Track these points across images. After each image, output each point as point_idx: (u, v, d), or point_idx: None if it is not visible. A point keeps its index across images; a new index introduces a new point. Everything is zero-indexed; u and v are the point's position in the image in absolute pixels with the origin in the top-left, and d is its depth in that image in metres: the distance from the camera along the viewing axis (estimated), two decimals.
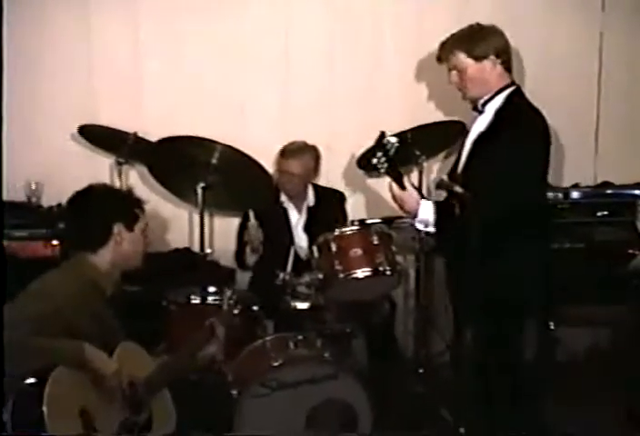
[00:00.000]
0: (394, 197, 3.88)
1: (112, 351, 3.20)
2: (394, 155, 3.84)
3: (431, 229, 3.81)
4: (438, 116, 5.33)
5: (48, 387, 2.91)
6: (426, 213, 3.79)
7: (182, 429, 3.44)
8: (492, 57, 3.86)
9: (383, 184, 5.58)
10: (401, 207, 3.90)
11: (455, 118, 5.23)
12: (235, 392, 4.13)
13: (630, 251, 4.57)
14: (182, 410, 3.47)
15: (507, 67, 3.92)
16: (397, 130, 5.07)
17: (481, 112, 3.92)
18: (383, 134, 3.79)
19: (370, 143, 5.01)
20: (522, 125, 3.76)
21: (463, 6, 5.58)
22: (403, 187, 3.82)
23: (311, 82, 5.68)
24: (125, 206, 3.50)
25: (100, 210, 3.45)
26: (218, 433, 3.96)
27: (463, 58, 3.90)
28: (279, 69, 5.65)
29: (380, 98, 5.71)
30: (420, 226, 3.85)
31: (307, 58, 5.66)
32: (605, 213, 5.37)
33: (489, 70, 3.88)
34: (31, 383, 2.94)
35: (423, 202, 3.82)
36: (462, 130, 5.17)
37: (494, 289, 3.63)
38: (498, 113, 3.85)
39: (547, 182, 3.96)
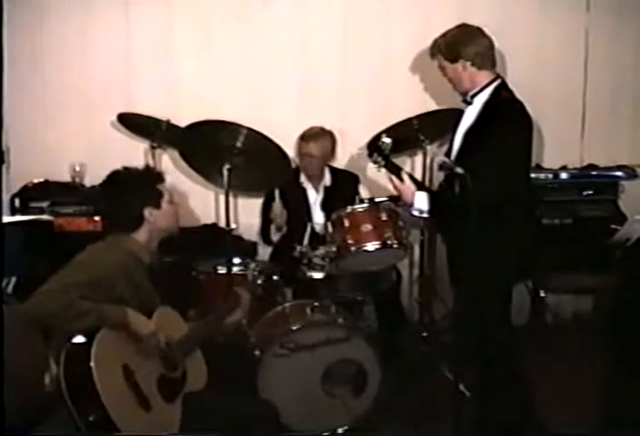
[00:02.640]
0: (394, 188, 3.97)
1: (150, 314, 3.23)
2: (389, 154, 3.98)
3: (425, 215, 3.88)
4: (441, 105, 5.34)
5: (95, 345, 2.93)
6: (421, 202, 3.85)
7: (211, 385, 3.48)
8: (462, 61, 3.89)
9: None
10: (400, 197, 3.98)
11: (457, 107, 5.25)
12: (257, 353, 4.17)
13: (612, 226, 4.58)
14: (211, 367, 3.51)
15: (486, 66, 3.91)
16: (404, 117, 5.11)
17: (469, 103, 3.94)
18: (378, 137, 3.87)
19: (380, 128, 5.10)
20: (508, 116, 3.78)
21: (467, 2, 5.59)
22: (401, 179, 3.91)
23: (327, 73, 5.70)
24: (148, 188, 3.44)
25: (129, 200, 3.41)
26: (242, 389, 4.00)
27: (441, 60, 3.98)
28: (298, 62, 5.68)
29: (389, 88, 5.72)
30: (416, 213, 3.90)
31: (323, 52, 5.68)
32: (590, 192, 5.40)
33: (461, 71, 3.90)
34: (79, 343, 2.99)
35: (417, 193, 3.88)
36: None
37: (488, 258, 3.66)
38: (486, 105, 3.86)
39: (531, 164, 3.98)
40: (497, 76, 3.95)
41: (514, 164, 3.77)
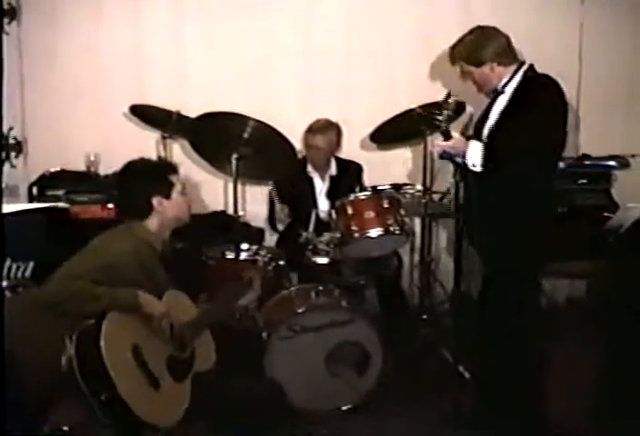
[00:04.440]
0: (441, 153, 3.79)
1: (159, 298, 3.22)
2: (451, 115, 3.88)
3: (478, 168, 3.68)
4: (441, 96, 5.30)
5: (104, 326, 2.95)
6: (475, 153, 3.68)
7: (220, 366, 3.48)
8: (488, 64, 3.82)
9: (392, 154, 5.67)
10: (451, 157, 3.79)
11: (456, 98, 5.23)
12: (264, 335, 4.16)
13: (605, 214, 4.56)
14: (221, 349, 3.50)
15: (510, 61, 3.84)
16: (405, 108, 5.07)
17: (501, 93, 3.84)
18: (449, 95, 3.78)
19: (381, 119, 5.08)
20: (542, 91, 3.70)
21: None
22: (450, 138, 3.76)
23: (331, 68, 5.68)
24: (159, 179, 3.45)
25: (138, 188, 3.43)
26: (249, 370, 4.00)
27: (465, 66, 3.89)
28: (303, 55, 5.66)
29: (391, 81, 5.70)
30: (469, 164, 3.71)
31: (328, 47, 5.66)
32: (585, 181, 5.36)
33: (489, 73, 3.84)
34: (90, 324, 2.98)
35: (472, 142, 3.72)
36: (462, 108, 5.20)
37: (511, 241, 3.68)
38: (518, 88, 3.78)
39: (566, 139, 3.83)
40: (522, 62, 3.88)
41: (552, 137, 3.70)
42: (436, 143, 3.78)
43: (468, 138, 3.83)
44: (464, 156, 3.71)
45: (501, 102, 3.83)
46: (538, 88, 3.73)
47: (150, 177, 3.44)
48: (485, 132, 3.85)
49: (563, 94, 3.71)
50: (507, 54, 3.86)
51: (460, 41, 3.93)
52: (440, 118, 3.78)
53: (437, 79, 5.56)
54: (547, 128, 3.66)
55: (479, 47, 3.84)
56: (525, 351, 3.77)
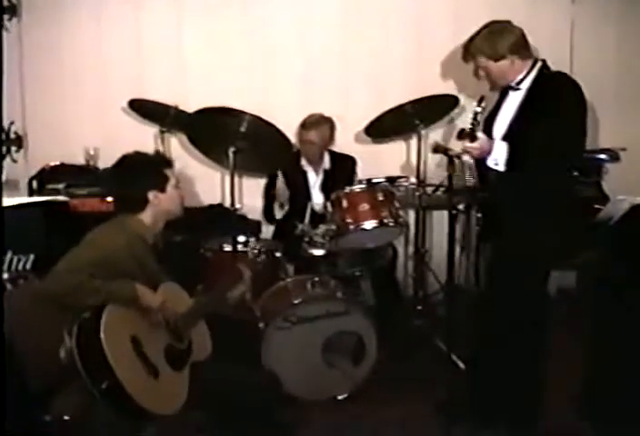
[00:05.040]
0: (467, 151, 3.69)
1: (154, 290, 3.23)
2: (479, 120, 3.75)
3: (501, 168, 3.63)
4: (434, 91, 5.29)
5: (104, 318, 2.95)
6: (500, 152, 3.62)
7: (218, 356, 3.49)
8: (509, 57, 3.71)
9: (386, 148, 5.69)
10: (476, 156, 3.70)
11: (448, 92, 5.24)
12: (261, 325, 4.19)
13: (596, 206, 4.56)
14: (218, 340, 3.51)
15: (528, 54, 3.77)
16: (399, 102, 5.08)
17: (515, 89, 3.78)
18: (482, 99, 3.71)
19: (376, 114, 5.09)
20: (560, 87, 3.65)
21: None
22: (476, 138, 3.61)
23: (327, 63, 5.70)
24: (154, 173, 3.43)
25: (133, 182, 3.41)
26: (247, 360, 4.02)
27: (484, 61, 3.74)
28: (299, 52, 5.68)
29: (385, 77, 5.71)
30: (491, 163, 3.66)
31: (323, 44, 5.67)
32: (576, 174, 5.36)
33: (508, 67, 3.73)
34: (89, 317, 3.00)
35: (498, 142, 3.65)
36: (455, 102, 5.22)
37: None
38: (534, 84, 3.73)
39: (586, 134, 3.74)
40: (536, 59, 3.81)
41: (577, 136, 3.66)
42: (467, 146, 3.63)
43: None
44: (488, 153, 3.64)
45: (515, 98, 3.78)
46: (562, 86, 3.67)
47: (146, 171, 3.42)
48: (498, 128, 3.82)
49: (583, 92, 3.66)
50: (525, 47, 3.77)
51: (476, 36, 3.80)
52: (473, 122, 3.62)
53: (427, 74, 5.60)
54: (574, 127, 3.63)
55: (500, 40, 3.72)
56: (529, 341, 3.76)
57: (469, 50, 3.81)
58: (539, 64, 3.78)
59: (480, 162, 3.75)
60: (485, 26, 3.80)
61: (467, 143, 3.62)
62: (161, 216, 3.46)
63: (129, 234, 3.34)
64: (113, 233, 3.33)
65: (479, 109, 3.62)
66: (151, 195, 3.39)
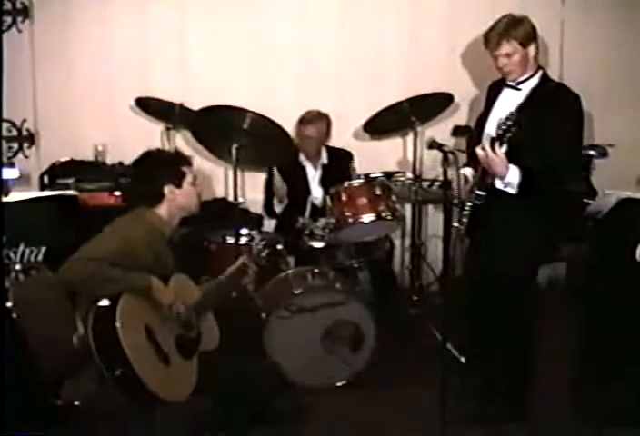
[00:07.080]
0: (483, 160, 3.56)
1: (166, 281, 3.24)
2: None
3: (511, 190, 3.59)
4: (430, 89, 5.29)
5: (120, 307, 2.97)
6: (513, 176, 3.54)
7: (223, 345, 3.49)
8: (534, 44, 3.68)
9: (383, 145, 5.70)
10: (488, 169, 3.58)
11: (443, 90, 5.24)
12: (264, 315, 4.20)
13: (585, 200, 4.57)
14: (223, 329, 3.51)
15: (537, 53, 3.74)
16: (395, 100, 5.09)
17: (514, 88, 3.75)
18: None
19: (373, 111, 5.10)
20: (561, 99, 3.64)
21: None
22: (494, 150, 3.50)
23: (325, 62, 5.70)
24: (172, 168, 3.43)
25: (151, 176, 3.42)
26: (250, 348, 4.03)
27: (514, 44, 3.64)
28: (299, 51, 5.67)
29: (380, 75, 5.71)
30: (501, 186, 3.62)
31: (322, 43, 5.68)
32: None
33: (532, 54, 3.69)
34: (105, 305, 3.00)
35: (512, 166, 3.53)
36: (449, 100, 5.23)
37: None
38: (535, 90, 3.69)
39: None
40: (539, 66, 3.78)
41: (580, 151, 3.67)
42: (492, 156, 3.51)
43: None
44: (501, 178, 3.58)
45: (512, 97, 3.75)
46: (564, 97, 3.65)
47: (164, 167, 3.44)
48: (489, 125, 3.79)
49: (582, 106, 3.65)
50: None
51: (499, 25, 3.69)
52: (500, 132, 3.51)
53: (422, 72, 5.61)
54: (579, 144, 3.68)
55: (528, 27, 3.69)
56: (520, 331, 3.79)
57: (494, 35, 3.69)
58: (541, 72, 3.77)
59: (487, 174, 3.62)
60: (504, 17, 3.73)
61: (490, 153, 3.51)
62: (176, 211, 3.45)
63: (149, 227, 3.35)
64: (134, 225, 3.34)
65: (510, 122, 3.49)
66: (167, 190, 3.39)
